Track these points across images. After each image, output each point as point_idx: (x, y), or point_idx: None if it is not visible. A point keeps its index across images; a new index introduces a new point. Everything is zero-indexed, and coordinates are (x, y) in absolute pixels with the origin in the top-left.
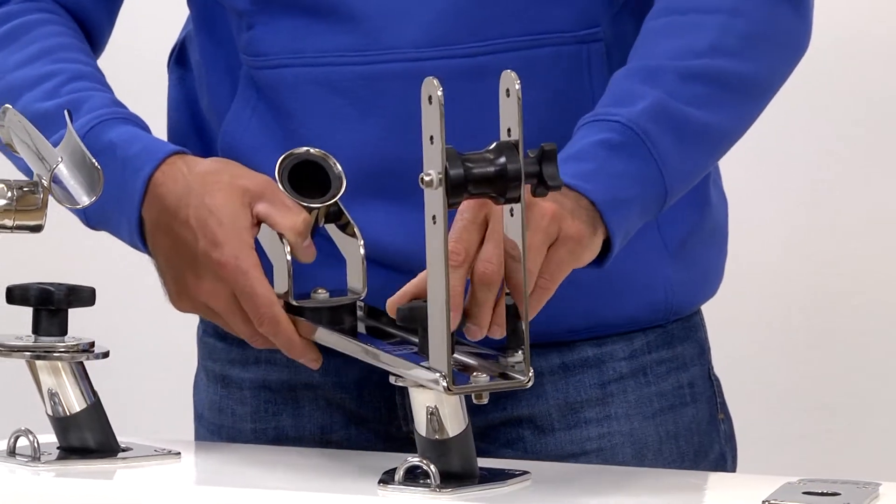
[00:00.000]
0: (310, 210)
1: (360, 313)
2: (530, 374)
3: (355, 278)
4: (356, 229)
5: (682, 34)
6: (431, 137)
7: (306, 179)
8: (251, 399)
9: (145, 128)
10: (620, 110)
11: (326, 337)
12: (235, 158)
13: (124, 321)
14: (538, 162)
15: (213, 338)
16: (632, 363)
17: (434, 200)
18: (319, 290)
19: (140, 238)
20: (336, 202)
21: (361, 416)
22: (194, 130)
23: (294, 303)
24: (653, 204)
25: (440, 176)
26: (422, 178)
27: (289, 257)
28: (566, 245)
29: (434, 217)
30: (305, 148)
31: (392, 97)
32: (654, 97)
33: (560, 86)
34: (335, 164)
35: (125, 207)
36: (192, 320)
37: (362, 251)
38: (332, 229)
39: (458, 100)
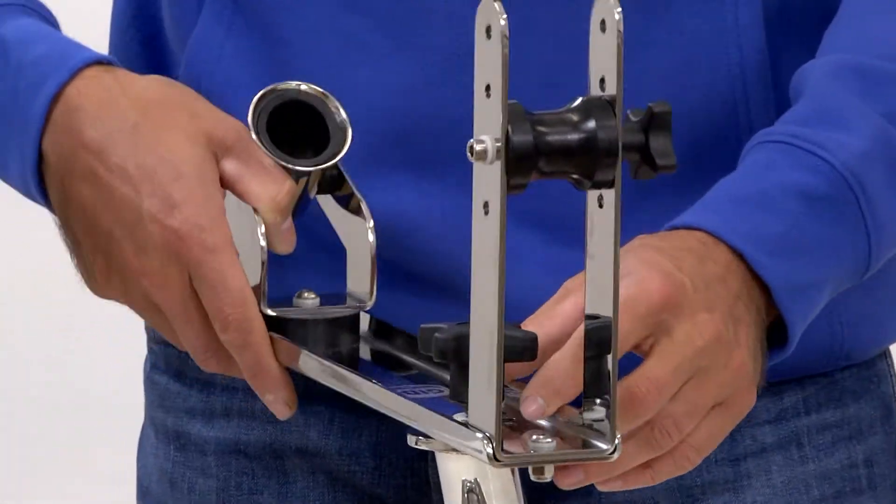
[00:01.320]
0: (297, 176)
1: (363, 329)
2: (617, 441)
3: (359, 279)
4: (363, 204)
5: None
6: (488, 88)
7: (292, 131)
8: (217, 468)
9: (54, 23)
10: (829, 140)
11: (313, 367)
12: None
13: (29, 343)
14: (643, 129)
15: (166, 375)
16: (779, 429)
17: (488, 179)
18: (306, 294)
19: (37, 182)
20: (336, 165)
21: (379, 498)
22: (147, 58)
23: (269, 311)
24: (847, 280)
25: (498, 144)
26: (471, 147)
27: (263, 243)
28: (703, 350)
29: (486, 204)
30: (295, 83)
31: (439, 23)
32: (873, 125)
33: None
34: (338, 108)
35: (16, 134)
36: (139, 347)
37: (372, 238)
38: (327, 203)
39: (534, 35)
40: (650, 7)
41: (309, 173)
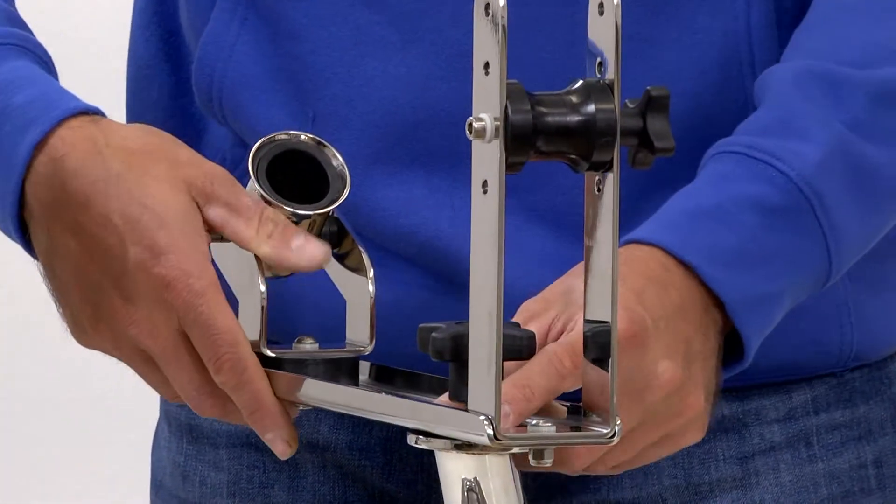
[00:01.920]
0: (297, 220)
1: (364, 378)
2: (616, 427)
3: (359, 328)
4: (364, 257)
5: (877, 20)
6: (487, 65)
7: (292, 181)
8: (229, 462)
9: (49, 66)
10: (785, 150)
11: (316, 393)
12: (211, 99)
13: (29, 343)
14: (640, 113)
15: None
16: (789, 428)
17: (486, 158)
18: (305, 340)
19: (17, 226)
20: (337, 220)
21: (389, 494)
22: (167, 54)
23: (269, 353)
24: (807, 289)
25: (497, 123)
26: (469, 125)
27: (262, 288)
28: (660, 399)
29: (485, 183)
30: (294, 132)
31: (450, 18)
32: (833, 133)
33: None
34: (335, 155)
35: None
36: None
37: (372, 289)
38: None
39: (537, 27)
40: (662, 6)
41: (310, 217)
